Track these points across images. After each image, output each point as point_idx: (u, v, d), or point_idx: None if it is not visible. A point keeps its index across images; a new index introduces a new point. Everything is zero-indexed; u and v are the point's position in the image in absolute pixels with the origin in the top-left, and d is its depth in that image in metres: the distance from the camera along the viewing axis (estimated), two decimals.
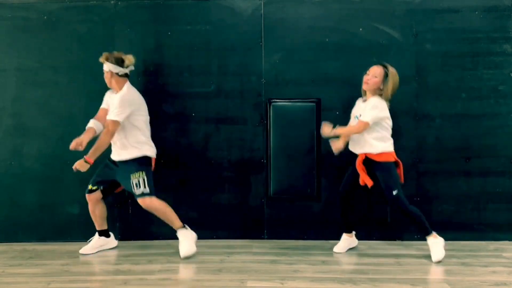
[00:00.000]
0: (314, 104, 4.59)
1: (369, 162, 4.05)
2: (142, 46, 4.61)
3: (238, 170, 4.64)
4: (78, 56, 4.63)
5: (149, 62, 4.54)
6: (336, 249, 4.28)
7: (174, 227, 4.21)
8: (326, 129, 4.14)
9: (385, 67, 4.07)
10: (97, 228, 4.38)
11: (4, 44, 4.64)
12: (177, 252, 4.26)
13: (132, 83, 4.40)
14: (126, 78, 4.20)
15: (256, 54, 4.61)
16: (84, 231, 4.66)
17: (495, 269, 3.82)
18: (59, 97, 4.65)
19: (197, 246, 4.29)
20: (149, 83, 4.60)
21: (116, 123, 4.06)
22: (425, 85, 4.54)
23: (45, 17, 4.64)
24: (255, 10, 4.61)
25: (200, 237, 4.57)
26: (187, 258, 4.11)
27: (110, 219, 4.66)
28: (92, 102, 4.62)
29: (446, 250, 4.07)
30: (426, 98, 4.54)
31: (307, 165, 4.61)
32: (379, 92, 4.05)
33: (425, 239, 4.16)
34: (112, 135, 4.09)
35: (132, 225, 4.67)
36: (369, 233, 4.60)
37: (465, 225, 4.57)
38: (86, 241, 4.41)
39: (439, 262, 3.95)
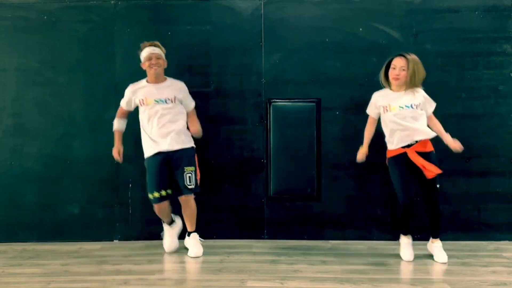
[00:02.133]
0: (314, 104, 4.59)
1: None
2: None
3: (238, 170, 4.64)
4: (78, 56, 4.63)
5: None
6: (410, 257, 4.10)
7: (191, 229, 4.24)
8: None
9: (405, 56, 3.99)
10: (168, 221, 4.34)
11: (4, 44, 4.64)
12: (177, 252, 4.27)
13: (132, 82, 4.40)
14: None
15: (256, 54, 4.61)
16: (84, 231, 4.67)
17: (495, 269, 3.82)
18: (59, 97, 4.65)
19: None
20: None
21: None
22: (425, 85, 4.52)
23: (45, 17, 4.64)
24: (255, 10, 4.61)
25: (200, 237, 4.58)
26: (197, 257, 4.16)
27: (110, 219, 4.67)
28: (92, 102, 4.64)
29: (446, 250, 4.07)
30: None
31: (307, 165, 4.61)
32: (410, 84, 3.99)
33: (425, 239, 4.17)
34: None
35: (132, 225, 4.67)
36: (369, 233, 4.60)
37: (465, 225, 4.57)
38: (86, 241, 4.40)
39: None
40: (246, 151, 4.65)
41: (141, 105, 4.18)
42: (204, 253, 4.24)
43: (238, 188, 4.65)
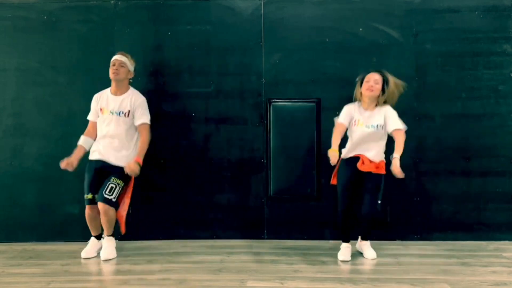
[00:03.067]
0: (314, 104, 4.59)
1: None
2: (142, 46, 4.61)
3: (238, 170, 4.64)
4: (78, 56, 4.63)
5: (149, 62, 4.54)
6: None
7: (107, 233, 4.19)
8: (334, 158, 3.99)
9: (381, 73, 4.05)
10: (95, 234, 4.30)
11: (4, 44, 4.64)
12: (177, 252, 4.27)
13: (133, 83, 4.41)
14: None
15: (256, 54, 4.61)
16: (84, 231, 4.66)
17: (495, 269, 3.82)
18: (59, 97, 4.65)
19: (197, 246, 4.30)
20: (149, 83, 4.60)
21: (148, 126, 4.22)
22: (425, 85, 4.54)
23: (45, 17, 4.64)
24: (255, 10, 4.61)
25: (200, 237, 4.59)
26: (107, 260, 4.10)
27: None
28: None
29: (446, 250, 4.09)
30: (426, 98, 4.54)
31: (307, 165, 4.61)
32: (379, 98, 4.04)
33: (425, 239, 4.18)
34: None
35: (132, 225, 4.66)
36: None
37: (465, 225, 4.56)
38: (86, 241, 4.39)
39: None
40: (246, 151, 4.65)
41: (100, 113, 4.25)
42: (204, 253, 4.24)
43: (238, 188, 4.65)
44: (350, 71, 4.54)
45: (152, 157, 4.44)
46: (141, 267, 3.94)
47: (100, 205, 4.06)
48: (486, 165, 4.55)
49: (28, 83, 4.65)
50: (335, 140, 4.03)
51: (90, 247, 4.24)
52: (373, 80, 4.04)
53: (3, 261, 4.15)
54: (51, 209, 4.66)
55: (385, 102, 4.06)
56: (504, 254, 4.18)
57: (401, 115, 4.38)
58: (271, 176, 4.63)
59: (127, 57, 4.23)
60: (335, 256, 4.16)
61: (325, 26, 4.59)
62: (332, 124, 4.57)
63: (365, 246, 4.17)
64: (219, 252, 4.29)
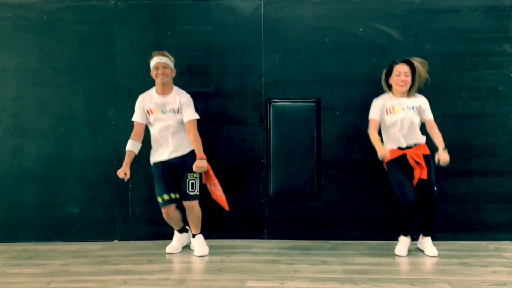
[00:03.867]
0: (314, 104, 4.59)
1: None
2: (142, 46, 4.61)
3: (238, 170, 4.64)
4: (78, 56, 4.63)
5: (149, 62, 4.53)
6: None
7: (196, 231, 4.27)
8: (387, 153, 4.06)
9: (409, 62, 4.10)
10: (177, 228, 4.36)
11: (4, 44, 4.64)
12: (177, 252, 4.28)
13: (133, 83, 4.41)
14: None
15: (256, 54, 4.61)
16: (84, 231, 4.67)
17: (495, 269, 3.82)
18: (59, 97, 4.65)
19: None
20: (149, 83, 4.59)
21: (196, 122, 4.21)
22: (425, 85, 4.53)
23: (45, 17, 4.64)
24: (255, 10, 4.60)
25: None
26: (203, 256, 4.21)
27: (111, 219, 4.67)
28: (92, 102, 4.63)
29: (446, 250, 4.09)
30: (426, 98, 4.53)
31: (307, 165, 4.61)
32: (411, 89, 4.13)
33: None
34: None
35: (132, 225, 4.67)
36: (369, 233, 4.60)
37: (465, 225, 4.56)
38: (86, 241, 4.41)
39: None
40: (246, 151, 4.65)
41: (148, 114, 4.21)
42: None
43: (238, 188, 4.65)
44: (350, 71, 4.55)
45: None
46: (141, 267, 3.94)
47: (187, 203, 4.18)
48: (486, 165, 4.55)
49: (28, 83, 4.65)
50: (376, 139, 4.08)
51: (177, 242, 4.34)
52: (403, 73, 4.07)
53: (3, 261, 4.15)
54: (51, 209, 4.66)
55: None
56: (504, 254, 4.18)
57: None
58: (271, 176, 4.63)
59: (167, 56, 4.19)
60: (335, 256, 4.16)
61: (325, 26, 4.58)
62: (332, 124, 4.59)
63: (427, 244, 4.14)
64: (219, 252, 4.29)
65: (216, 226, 4.64)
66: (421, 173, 4.03)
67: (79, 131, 4.63)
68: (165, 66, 4.15)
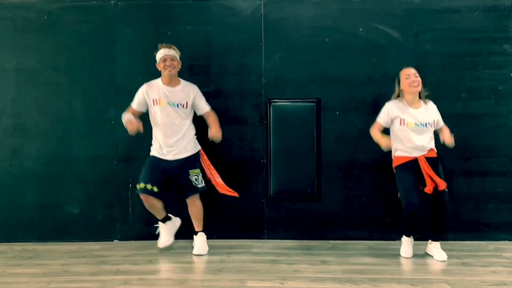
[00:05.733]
0: (314, 104, 4.59)
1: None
2: (142, 46, 4.61)
3: (238, 170, 4.64)
4: (78, 56, 4.63)
5: (149, 62, 4.53)
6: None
7: (198, 228, 4.31)
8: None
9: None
10: (160, 218, 4.34)
11: (4, 44, 4.64)
12: (177, 253, 4.28)
13: (133, 83, 4.40)
14: None
15: (256, 54, 4.61)
16: (84, 231, 4.67)
17: (495, 269, 3.81)
18: (59, 97, 4.65)
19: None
20: None
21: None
22: (425, 85, 4.52)
23: (45, 17, 4.64)
24: (255, 10, 4.61)
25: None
26: (200, 255, 4.20)
27: (110, 219, 4.67)
28: (92, 102, 4.63)
29: (446, 250, 4.08)
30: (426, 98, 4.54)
31: (307, 165, 4.61)
32: (421, 91, 4.11)
33: (425, 239, 4.18)
34: None
35: (132, 225, 4.67)
36: (369, 233, 4.60)
37: (465, 225, 4.57)
38: (86, 241, 4.40)
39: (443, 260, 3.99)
40: (246, 151, 4.65)
41: (153, 104, 4.19)
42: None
43: (238, 188, 4.64)
44: (350, 71, 4.55)
45: None
46: (141, 267, 3.93)
47: (191, 199, 4.24)
48: (486, 165, 4.55)
49: (28, 83, 4.65)
50: (377, 133, 4.07)
51: (165, 235, 4.35)
52: (413, 74, 4.06)
53: (3, 261, 4.15)
54: (51, 209, 4.66)
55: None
56: (504, 254, 4.18)
57: None
58: (271, 176, 4.63)
59: (174, 49, 4.22)
60: (335, 256, 4.16)
61: (325, 26, 4.59)
62: (332, 124, 4.59)
63: (436, 248, 4.08)
64: (219, 252, 4.29)
65: (216, 226, 4.64)
66: (439, 185, 3.98)
67: (79, 131, 4.63)
68: (172, 59, 4.17)
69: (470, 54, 4.54)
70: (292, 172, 4.62)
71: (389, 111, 4.11)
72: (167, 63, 4.15)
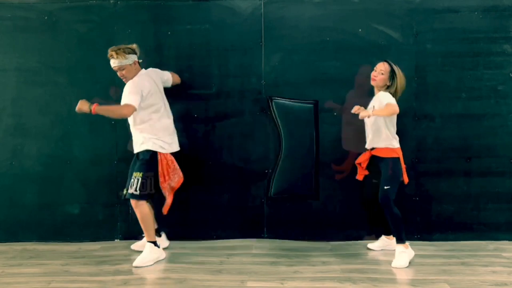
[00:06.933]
0: (312, 105, 4.59)
1: (374, 158, 4.08)
2: (142, 46, 4.59)
3: (238, 170, 4.64)
4: (78, 56, 4.63)
5: (149, 62, 4.53)
6: (371, 246, 4.33)
7: (148, 239, 4.12)
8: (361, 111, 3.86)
9: (390, 65, 4.06)
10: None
11: (4, 44, 4.64)
12: (177, 253, 4.28)
13: None
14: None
15: (256, 54, 4.61)
16: (84, 231, 4.67)
17: (495, 269, 3.82)
18: (59, 97, 4.65)
19: (197, 246, 4.32)
20: None
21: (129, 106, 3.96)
22: (425, 85, 4.53)
23: (45, 17, 4.63)
24: (255, 10, 4.60)
25: (200, 237, 4.59)
26: (137, 268, 3.96)
27: (111, 219, 4.67)
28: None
29: (446, 250, 4.09)
30: (426, 98, 4.54)
31: (306, 165, 4.60)
32: (386, 89, 4.06)
33: (425, 239, 4.18)
34: (123, 116, 4.02)
35: (132, 225, 4.66)
36: (369, 233, 4.60)
37: (465, 225, 4.57)
38: (85, 241, 4.40)
39: (396, 268, 3.87)
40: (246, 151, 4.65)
41: None
42: (204, 254, 4.24)
43: (238, 188, 4.65)
44: (350, 71, 4.55)
45: None
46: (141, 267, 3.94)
47: (132, 202, 4.07)
48: (486, 165, 4.55)
49: (28, 83, 4.65)
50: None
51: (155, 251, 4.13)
52: (378, 69, 4.07)
53: (3, 261, 4.16)
54: (51, 209, 4.66)
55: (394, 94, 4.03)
56: (504, 254, 4.19)
57: (401, 115, 4.39)
58: (271, 176, 4.63)
59: (117, 54, 4.02)
60: (336, 256, 4.16)
61: (325, 26, 4.58)
62: (332, 124, 4.59)
63: (398, 254, 3.95)
64: (219, 252, 4.29)
65: (216, 226, 4.64)
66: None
67: (79, 131, 4.63)
68: (119, 69, 4.06)
69: (470, 54, 4.54)
70: (292, 172, 4.62)
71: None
72: (118, 74, 4.10)
